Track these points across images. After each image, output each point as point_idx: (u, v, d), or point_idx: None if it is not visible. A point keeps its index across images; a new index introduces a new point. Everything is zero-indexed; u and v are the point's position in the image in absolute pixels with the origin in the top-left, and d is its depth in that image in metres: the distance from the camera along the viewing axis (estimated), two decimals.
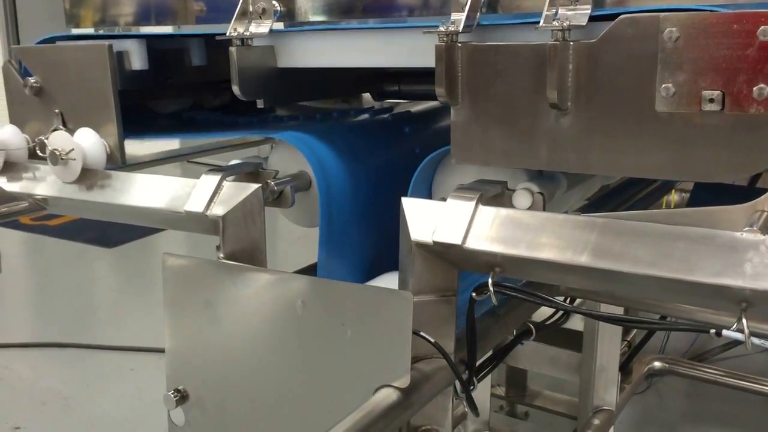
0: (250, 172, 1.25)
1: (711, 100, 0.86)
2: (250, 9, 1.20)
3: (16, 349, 3.30)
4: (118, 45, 1.38)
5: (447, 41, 1.00)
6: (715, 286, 0.82)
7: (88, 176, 1.30)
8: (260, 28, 1.20)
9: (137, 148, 1.42)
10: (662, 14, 0.87)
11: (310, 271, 1.28)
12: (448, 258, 0.99)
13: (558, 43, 0.92)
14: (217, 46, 1.22)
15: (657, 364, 2.44)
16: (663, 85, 0.88)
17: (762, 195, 0.87)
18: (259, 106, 1.28)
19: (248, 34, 1.19)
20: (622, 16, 0.90)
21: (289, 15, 1.21)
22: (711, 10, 0.86)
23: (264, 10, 1.19)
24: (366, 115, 1.65)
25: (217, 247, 1.15)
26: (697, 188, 1.51)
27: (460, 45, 1.00)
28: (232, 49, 1.18)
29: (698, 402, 2.75)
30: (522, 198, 1.05)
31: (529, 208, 1.04)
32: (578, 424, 2.07)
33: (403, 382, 0.94)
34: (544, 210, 1.04)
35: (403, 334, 0.93)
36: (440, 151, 1.13)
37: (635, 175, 0.96)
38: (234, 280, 1.09)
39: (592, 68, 0.93)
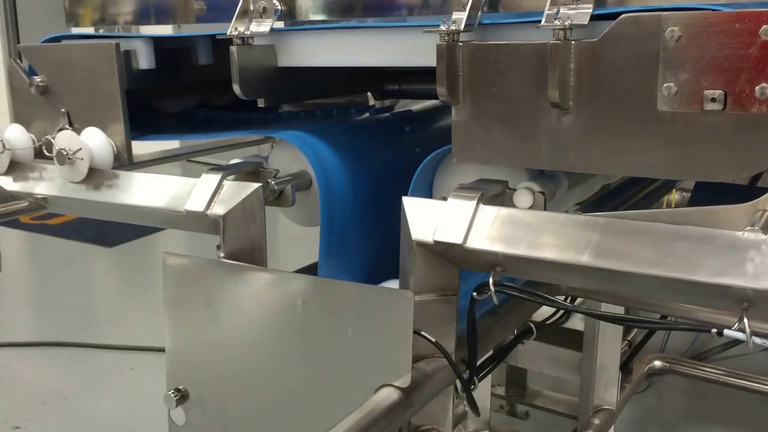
0: (250, 171, 1.24)
1: (713, 100, 0.86)
2: (251, 8, 1.20)
3: (15, 348, 3.30)
4: (125, 44, 1.37)
5: (448, 40, 0.99)
6: (716, 286, 0.82)
7: (93, 176, 1.29)
8: (261, 27, 1.20)
9: (137, 147, 1.41)
10: (664, 13, 0.87)
11: (310, 270, 1.28)
12: (449, 257, 0.99)
13: (559, 42, 0.92)
14: (223, 45, 1.22)
15: (657, 363, 2.44)
16: (665, 85, 0.88)
17: (763, 194, 0.87)
18: (259, 105, 1.27)
19: (249, 33, 1.19)
20: (623, 16, 0.90)
21: (289, 14, 1.21)
22: (713, 10, 0.86)
23: (264, 9, 1.19)
24: (366, 114, 1.65)
25: (218, 247, 1.15)
26: (698, 187, 1.51)
27: (461, 44, 1.00)
28: (233, 48, 1.18)
29: (699, 401, 2.75)
30: (523, 197, 1.05)
31: (530, 208, 1.04)
32: (578, 423, 2.07)
33: (404, 381, 0.94)
34: (545, 209, 1.04)
35: (404, 334, 0.93)
36: (441, 151, 1.13)
37: (637, 174, 0.96)
38: (234, 280, 1.09)
39: (593, 67, 0.92)
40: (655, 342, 2.84)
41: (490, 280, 0.95)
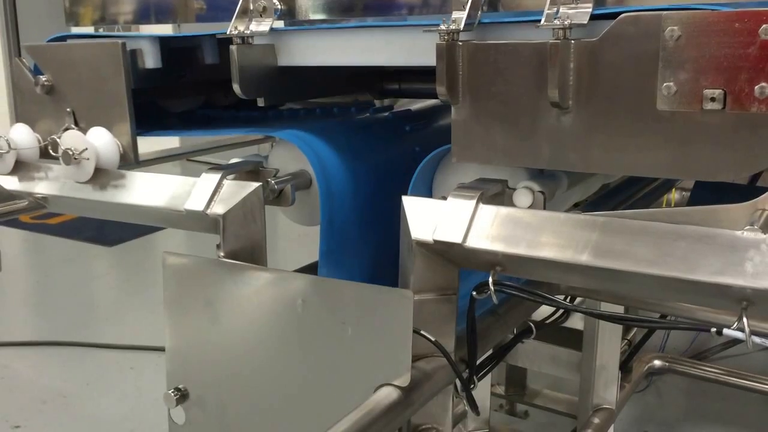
0: (250, 170, 1.24)
1: (712, 99, 0.86)
2: (251, 7, 1.20)
3: (15, 347, 3.30)
4: (132, 43, 1.37)
5: (448, 40, 0.99)
6: (715, 285, 0.82)
7: (98, 176, 1.29)
8: (261, 26, 1.20)
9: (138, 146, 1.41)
10: (664, 13, 0.87)
11: (310, 269, 1.28)
12: (449, 257, 0.99)
13: (559, 41, 0.92)
14: (228, 44, 1.22)
15: (657, 362, 2.45)
16: (664, 84, 0.88)
17: (763, 194, 0.87)
18: (259, 105, 1.27)
19: (249, 32, 1.19)
20: (623, 15, 0.90)
21: (289, 13, 1.21)
22: (712, 9, 0.86)
23: (264, 9, 1.19)
24: (366, 113, 1.65)
25: (218, 246, 1.15)
26: (697, 187, 1.51)
27: (461, 43, 1.00)
28: (233, 47, 1.18)
29: (698, 400, 2.75)
30: (523, 197, 1.05)
31: (530, 207, 1.04)
32: (578, 422, 2.07)
33: (404, 380, 0.94)
34: (544, 209, 1.04)
35: (404, 333, 0.93)
36: (441, 150, 1.13)
37: (636, 173, 0.96)
38: (234, 279, 1.09)
39: (593, 67, 0.92)
40: (655, 341, 2.84)
41: (490, 279, 0.95)
